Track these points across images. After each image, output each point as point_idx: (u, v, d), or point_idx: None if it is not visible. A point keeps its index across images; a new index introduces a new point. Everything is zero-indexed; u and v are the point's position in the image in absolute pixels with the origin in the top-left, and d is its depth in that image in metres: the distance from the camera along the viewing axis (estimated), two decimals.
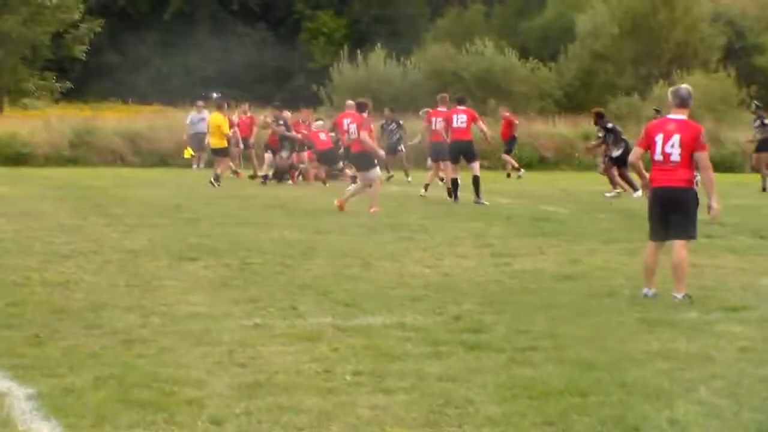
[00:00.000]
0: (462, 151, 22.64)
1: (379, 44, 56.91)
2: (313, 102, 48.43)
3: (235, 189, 26.37)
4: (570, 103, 52.91)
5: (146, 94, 66.86)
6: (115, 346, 8.39)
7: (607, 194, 25.31)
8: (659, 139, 10.87)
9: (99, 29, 60.40)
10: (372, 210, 19.50)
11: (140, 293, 10.88)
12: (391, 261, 13.63)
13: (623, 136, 26.26)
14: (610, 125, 26.84)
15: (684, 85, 11.50)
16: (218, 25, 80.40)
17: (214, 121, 29.32)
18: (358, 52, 55.10)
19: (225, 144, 28.98)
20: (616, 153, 25.68)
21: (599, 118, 27.15)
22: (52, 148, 37.26)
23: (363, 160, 20.40)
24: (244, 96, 51.15)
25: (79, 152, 37.21)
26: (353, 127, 20.18)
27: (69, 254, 13.66)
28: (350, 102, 25.46)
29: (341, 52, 56.88)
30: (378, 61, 54.93)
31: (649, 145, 11.01)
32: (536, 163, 41.08)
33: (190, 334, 8.84)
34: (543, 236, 16.60)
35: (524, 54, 57.21)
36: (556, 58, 58.98)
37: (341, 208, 19.66)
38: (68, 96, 59.09)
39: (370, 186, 20.40)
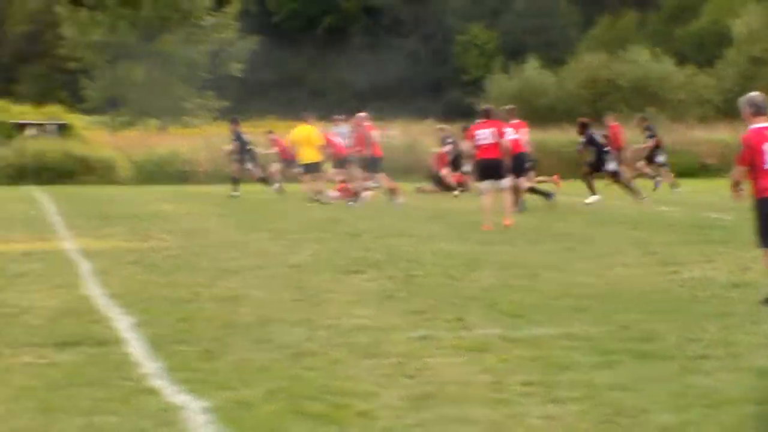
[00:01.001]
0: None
1: (532, 55, 56.77)
2: (469, 114, 48.46)
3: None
4: (730, 109, 51.94)
5: (302, 110, 67.70)
6: (284, 359, 8.51)
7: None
8: (766, 148, 10.64)
9: (254, 47, 61.37)
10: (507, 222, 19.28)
11: (307, 307, 11.02)
12: (557, 271, 13.56)
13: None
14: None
15: (757, 93, 11.24)
16: (370, 39, 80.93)
17: (305, 135, 27.97)
18: (511, 63, 55.10)
19: (318, 158, 27.73)
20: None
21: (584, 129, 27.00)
22: (212, 165, 38.04)
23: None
24: (399, 109, 51.51)
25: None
26: (489, 134, 19.85)
27: (236, 270, 13.91)
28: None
29: (494, 63, 56.90)
30: (532, 71, 54.80)
31: (753, 157, 10.75)
32: (696, 170, 40.36)
33: (358, 346, 8.93)
34: (709, 243, 16.34)
35: (680, 61, 56.43)
36: (712, 63, 57.98)
37: (509, 224, 19.26)
38: (226, 114, 60.23)
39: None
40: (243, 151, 31.73)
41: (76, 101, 60.92)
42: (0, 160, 39.51)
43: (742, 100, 11.16)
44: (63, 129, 43.34)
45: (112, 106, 58.03)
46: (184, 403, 7.12)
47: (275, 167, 33.01)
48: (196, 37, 57.37)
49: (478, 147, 19.67)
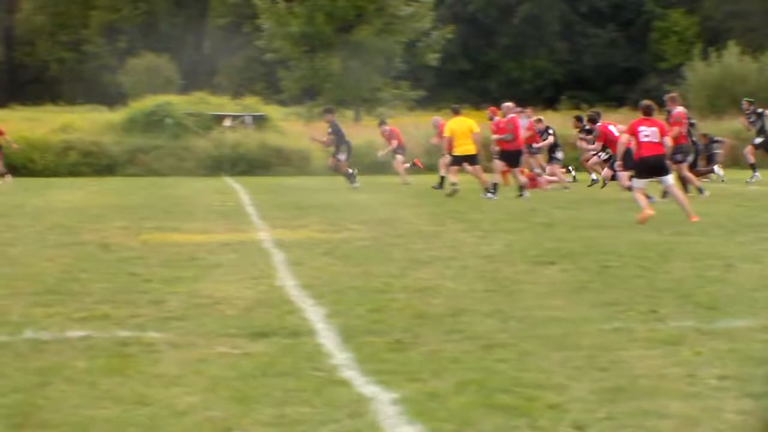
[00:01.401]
0: None
1: (732, 41, 55.43)
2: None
3: (588, 192, 26.24)
4: None
5: (498, 98, 67.65)
6: (475, 350, 8.48)
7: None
8: None
9: (450, 36, 61.52)
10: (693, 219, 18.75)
11: (499, 298, 10.97)
12: (754, 263, 13.23)
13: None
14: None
15: None
16: (567, 27, 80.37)
17: (465, 126, 27.45)
18: (711, 49, 53.90)
19: (476, 150, 27.19)
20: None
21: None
22: (408, 155, 38.26)
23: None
24: (595, 98, 50.98)
25: (433, 159, 38.08)
26: (653, 132, 19.35)
27: (428, 260, 13.95)
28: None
29: (693, 50, 55.75)
30: (732, 58, 53.49)
31: None
32: None
33: (550, 338, 8.85)
34: None
35: None
36: None
37: (692, 217, 18.80)
38: (422, 104, 60.47)
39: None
40: (341, 141, 31.64)
41: (272, 92, 62.09)
42: (199, 151, 40.49)
43: None
44: (260, 120, 44.21)
45: (308, 96, 58.95)
46: (374, 394, 7.15)
47: (399, 159, 33.10)
48: (393, 27, 57.75)
49: (639, 144, 19.19)
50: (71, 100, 63.39)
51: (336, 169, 31.77)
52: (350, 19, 56.96)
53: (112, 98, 60.11)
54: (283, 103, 58.57)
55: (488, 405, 6.84)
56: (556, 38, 79.37)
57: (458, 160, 26.92)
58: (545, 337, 8.90)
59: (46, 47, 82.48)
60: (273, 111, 49.00)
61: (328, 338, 9.01)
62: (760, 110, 32.55)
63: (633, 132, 19.36)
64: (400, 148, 32.96)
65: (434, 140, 32.66)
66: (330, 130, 31.73)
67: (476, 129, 27.49)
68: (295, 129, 46.02)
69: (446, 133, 27.49)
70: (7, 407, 6.89)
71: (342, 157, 31.57)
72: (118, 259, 14.34)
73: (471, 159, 26.93)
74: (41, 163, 39.31)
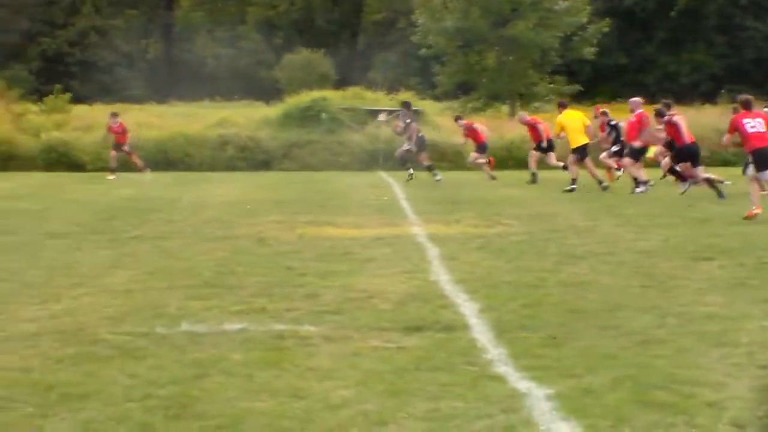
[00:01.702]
0: None
1: None
2: None
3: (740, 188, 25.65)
4: None
5: (654, 93, 66.78)
6: (631, 346, 8.39)
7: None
8: None
9: (606, 29, 60.81)
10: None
11: (655, 294, 10.83)
12: None
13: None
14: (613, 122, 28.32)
15: None
16: (726, 20, 78.67)
17: (577, 120, 27.60)
18: None
19: (586, 141, 27.25)
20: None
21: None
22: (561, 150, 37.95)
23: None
24: (755, 92, 49.88)
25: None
26: (758, 123, 18.80)
27: (583, 255, 13.83)
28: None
29: None
30: None
31: None
32: None
33: (707, 334, 8.70)
34: None
35: None
36: None
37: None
38: (577, 98, 59.95)
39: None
40: (411, 134, 31.45)
41: (427, 87, 62.22)
42: (353, 145, 40.76)
43: None
44: (415, 115, 44.31)
45: (462, 91, 58.91)
46: (528, 389, 7.13)
47: (473, 156, 32.75)
48: (549, 21, 57.33)
49: (748, 136, 18.67)
50: (228, 96, 64.35)
51: (405, 161, 32.08)
52: (505, 13, 56.63)
53: (268, 93, 60.87)
54: (437, 98, 58.64)
55: (644, 401, 6.77)
56: (715, 32, 77.81)
57: (580, 154, 27.04)
58: (702, 333, 8.77)
59: (203, 43, 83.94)
60: (428, 106, 49.08)
61: (481, 333, 9.00)
62: None
63: (737, 127, 18.98)
64: (481, 145, 32.63)
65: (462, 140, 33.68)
66: (407, 121, 31.86)
67: (587, 122, 27.85)
68: (450, 124, 45.99)
69: (557, 129, 27.51)
70: (164, 398, 7.04)
71: (409, 147, 31.66)
72: (273, 253, 14.53)
73: (580, 151, 27.10)
74: (198, 157, 39.98)
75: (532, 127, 31.24)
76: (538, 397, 6.94)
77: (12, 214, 19.70)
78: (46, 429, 6.40)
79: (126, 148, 34.30)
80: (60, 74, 67.07)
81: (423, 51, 60.42)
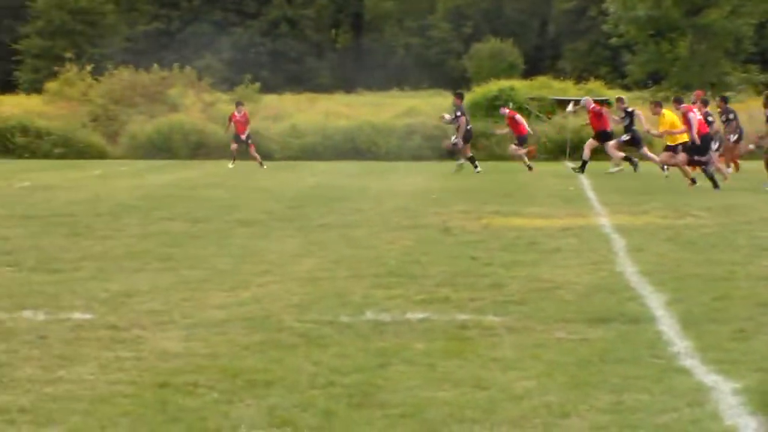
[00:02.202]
0: None
1: None
2: None
3: None
4: None
5: None
6: None
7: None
8: None
9: None
10: None
11: None
12: None
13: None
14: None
15: None
16: None
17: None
18: None
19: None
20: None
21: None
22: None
23: None
24: None
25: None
26: None
27: None
28: None
29: None
30: None
31: None
32: None
33: None
34: None
35: None
36: None
37: None
38: None
39: None
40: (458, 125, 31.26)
41: (616, 77, 61.51)
42: (540, 135, 40.55)
43: None
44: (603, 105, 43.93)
45: (653, 81, 58.11)
46: (715, 383, 6.99)
47: (512, 148, 32.02)
48: (743, 9, 56.14)
49: None
50: (416, 85, 64.75)
51: (453, 152, 32.06)
52: (698, 2, 55.72)
53: (456, 83, 61.01)
54: (626, 87, 57.94)
55: None
56: None
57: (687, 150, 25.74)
58: None
59: (392, 33, 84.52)
60: (617, 95, 48.50)
61: (668, 326, 8.86)
62: None
63: None
64: (521, 137, 32.05)
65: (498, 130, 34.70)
66: (457, 113, 31.52)
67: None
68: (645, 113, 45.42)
69: (665, 125, 26.40)
70: (348, 386, 7.11)
71: (456, 140, 31.52)
72: (458, 243, 14.55)
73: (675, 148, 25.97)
74: (384, 147, 40.27)
75: (597, 114, 30.65)
76: (724, 391, 6.80)
77: (202, 202, 20.15)
78: (232, 414, 6.52)
79: (244, 137, 34.75)
80: (250, 64, 68.35)
81: (613, 40, 59.92)
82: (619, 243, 14.23)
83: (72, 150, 39.14)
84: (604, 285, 10.92)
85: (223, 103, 45.04)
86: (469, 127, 31.76)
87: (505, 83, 45.27)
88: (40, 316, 9.39)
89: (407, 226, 16.61)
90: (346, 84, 70.32)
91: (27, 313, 9.51)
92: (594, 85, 47.88)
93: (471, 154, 31.67)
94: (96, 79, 47.00)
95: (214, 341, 8.46)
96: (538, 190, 23.55)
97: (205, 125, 40.78)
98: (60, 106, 44.49)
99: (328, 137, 37.87)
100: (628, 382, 7.12)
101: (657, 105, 27.32)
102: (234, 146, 34.63)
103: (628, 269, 11.98)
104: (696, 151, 24.18)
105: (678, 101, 25.89)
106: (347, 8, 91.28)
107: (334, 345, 8.32)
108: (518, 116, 33.06)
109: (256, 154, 34.62)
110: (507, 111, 33.63)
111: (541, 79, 48.29)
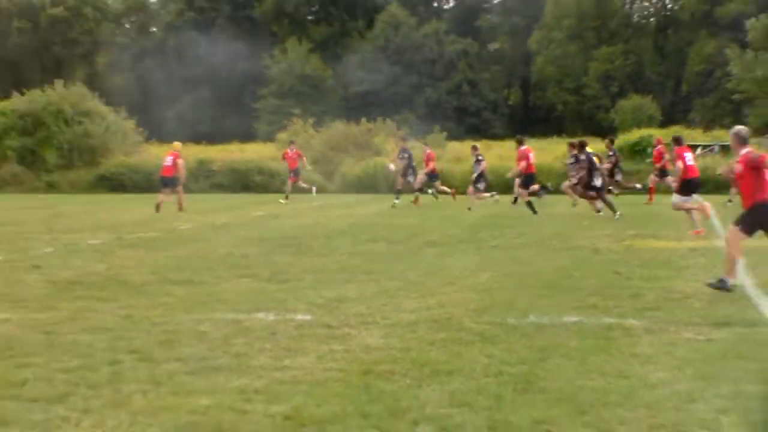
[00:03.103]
0: None
1: None
2: None
3: None
4: None
5: None
6: None
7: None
8: None
9: None
10: None
11: None
12: None
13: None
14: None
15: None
16: None
17: None
18: None
19: None
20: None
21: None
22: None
23: None
24: None
25: None
26: None
27: None
28: None
29: None
30: None
31: None
32: None
33: None
34: None
35: None
36: None
37: None
38: None
39: None
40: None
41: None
42: (672, 173, 39.57)
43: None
44: (726, 148, 42.86)
45: None
46: None
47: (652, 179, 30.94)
48: None
49: None
50: (572, 133, 64.07)
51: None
52: None
53: (604, 131, 60.21)
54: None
55: None
56: None
57: None
58: None
59: (554, 92, 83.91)
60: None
61: None
62: None
63: None
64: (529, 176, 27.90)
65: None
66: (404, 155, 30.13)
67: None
68: None
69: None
70: (514, 375, 7.08)
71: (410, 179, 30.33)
72: (605, 261, 14.33)
73: None
74: (545, 182, 39.89)
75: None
76: None
77: (398, 228, 20.30)
78: (421, 397, 6.55)
79: (293, 173, 34.27)
80: (438, 117, 68.60)
81: (736, 96, 58.40)
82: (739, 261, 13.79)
83: (297, 187, 39.77)
84: (726, 295, 10.66)
85: (416, 149, 45.39)
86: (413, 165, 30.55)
87: (644, 131, 44.51)
88: (271, 317, 9.59)
89: (562, 247, 16.43)
90: (516, 133, 70.14)
91: (260, 315, 9.73)
92: (719, 132, 46.73)
93: (419, 187, 30.89)
94: (317, 131, 47.90)
95: (406, 338, 8.51)
96: (670, 218, 22.97)
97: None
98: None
99: (500, 176, 37.62)
100: (746, 374, 6.94)
101: None
102: (291, 181, 34.54)
103: (747, 282, 11.63)
104: None
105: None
106: (517, 72, 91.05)
107: (503, 342, 8.29)
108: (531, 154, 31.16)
109: (290, 186, 34.44)
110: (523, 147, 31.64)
111: (675, 128, 47.29)
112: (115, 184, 42.93)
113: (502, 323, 9.14)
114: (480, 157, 29.75)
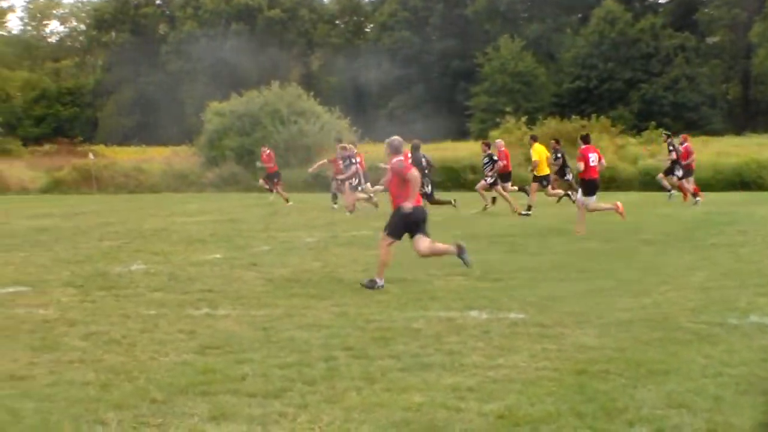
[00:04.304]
0: None
1: None
2: None
3: None
4: None
5: None
6: None
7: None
8: None
9: None
10: None
11: None
12: None
13: None
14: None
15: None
16: None
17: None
18: None
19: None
20: None
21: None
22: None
23: None
24: None
25: None
26: None
27: None
28: None
29: None
30: None
31: None
32: None
33: None
34: None
35: None
36: None
37: None
38: None
39: None
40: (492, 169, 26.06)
41: None
42: None
43: None
44: None
45: None
46: None
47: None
48: None
49: None
50: None
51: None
52: None
53: None
54: None
55: None
56: None
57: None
58: None
59: None
60: None
61: None
62: None
63: None
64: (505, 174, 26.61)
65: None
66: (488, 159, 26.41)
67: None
68: None
69: None
70: (734, 377, 6.89)
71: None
72: None
73: None
74: None
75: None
76: None
77: (612, 225, 19.92)
78: (636, 397, 6.44)
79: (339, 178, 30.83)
80: (654, 113, 66.98)
81: None
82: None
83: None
84: None
85: (632, 146, 44.56)
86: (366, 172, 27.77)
87: None
88: (484, 315, 9.63)
89: None
90: (736, 128, 67.58)
91: (473, 313, 9.78)
92: None
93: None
94: (529, 128, 47.64)
95: (621, 337, 8.38)
96: None
97: (616, 164, 40.30)
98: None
99: (719, 172, 36.45)
100: None
101: None
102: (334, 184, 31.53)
103: None
104: None
105: None
106: (737, 66, 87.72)
107: (723, 342, 8.06)
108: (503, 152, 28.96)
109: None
110: (687, 144, 29.33)
111: None
112: (329, 183, 43.90)
113: (722, 323, 8.88)
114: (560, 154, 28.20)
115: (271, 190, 32.38)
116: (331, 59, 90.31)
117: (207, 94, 55.29)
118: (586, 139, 19.85)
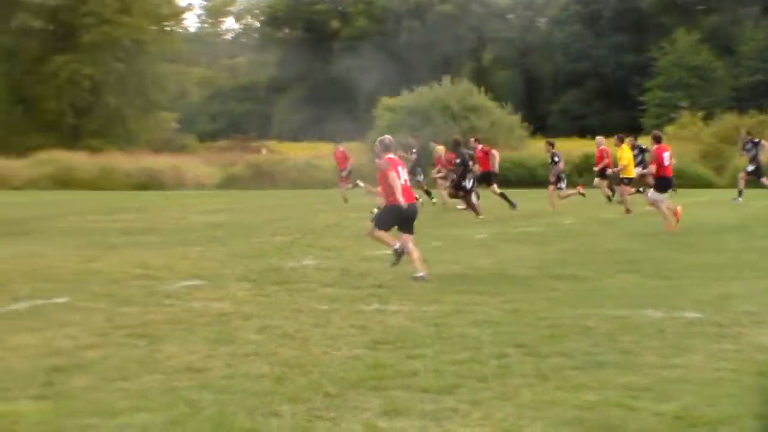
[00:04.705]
0: None
1: None
2: None
3: None
4: None
5: None
6: None
7: None
8: None
9: None
10: None
11: None
12: None
13: None
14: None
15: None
16: None
17: None
18: None
19: None
20: None
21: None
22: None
23: None
24: None
25: None
26: None
27: None
28: None
29: None
30: None
31: None
32: None
33: None
34: None
35: None
36: None
37: None
38: None
39: None
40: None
41: None
42: None
43: None
44: None
45: None
46: None
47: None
48: None
49: None
50: None
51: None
52: None
53: None
54: None
55: None
56: None
57: None
58: None
59: None
60: None
61: None
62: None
63: None
64: (485, 174, 26.33)
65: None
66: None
67: None
68: None
69: None
70: None
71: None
72: None
73: None
74: None
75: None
76: None
77: None
78: None
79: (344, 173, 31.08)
80: None
81: None
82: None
83: (685, 181, 38.75)
84: None
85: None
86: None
87: None
88: (658, 314, 9.46)
89: None
90: None
91: (648, 312, 9.61)
92: None
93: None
94: (706, 124, 46.42)
95: None
96: None
97: None
98: (675, 145, 44.35)
99: None
100: None
101: None
102: (343, 182, 31.54)
103: None
104: None
105: None
106: None
107: None
108: (493, 152, 27.49)
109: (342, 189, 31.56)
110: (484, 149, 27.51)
111: None
112: (499, 178, 43.68)
113: None
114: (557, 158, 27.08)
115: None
116: (503, 54, 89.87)
117: (378, 90, 55.83)
118: (658, 139, 19.78)
